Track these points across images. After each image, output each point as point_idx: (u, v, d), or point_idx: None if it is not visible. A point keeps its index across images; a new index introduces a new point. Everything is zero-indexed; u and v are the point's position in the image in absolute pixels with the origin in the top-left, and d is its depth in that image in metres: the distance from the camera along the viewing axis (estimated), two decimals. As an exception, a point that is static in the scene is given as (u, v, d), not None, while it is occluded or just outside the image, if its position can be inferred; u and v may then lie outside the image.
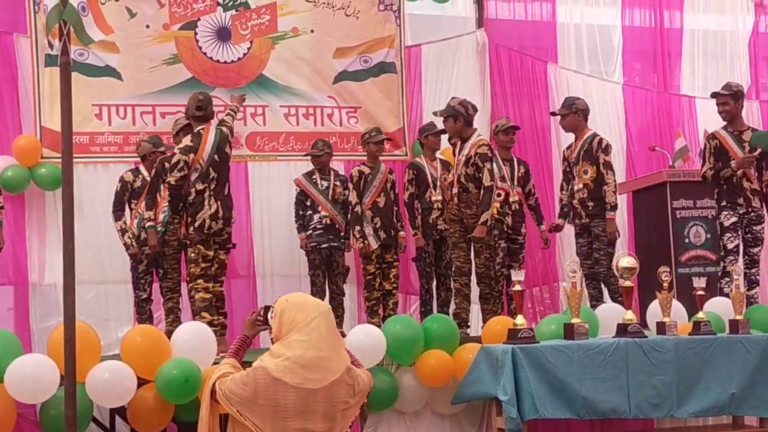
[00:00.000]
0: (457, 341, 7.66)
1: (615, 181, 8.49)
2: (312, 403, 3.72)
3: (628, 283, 7.37)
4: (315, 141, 9.18)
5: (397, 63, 10.17)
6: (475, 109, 8.53)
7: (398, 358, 7.51)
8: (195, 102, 7.89)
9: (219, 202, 7.69)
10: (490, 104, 10.34)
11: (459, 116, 8.32)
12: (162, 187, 8.32)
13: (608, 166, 8.44)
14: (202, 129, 7.80)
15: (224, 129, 7.91)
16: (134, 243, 8.70)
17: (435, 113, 8.73)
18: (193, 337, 6.80)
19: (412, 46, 10.35)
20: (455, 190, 8.31)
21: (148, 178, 8.66)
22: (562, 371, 6.81)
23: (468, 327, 8.42)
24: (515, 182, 9.17)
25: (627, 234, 10.38)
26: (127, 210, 8.82)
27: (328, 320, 3.82)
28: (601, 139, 8.52)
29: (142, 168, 8.87)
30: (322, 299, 8.57)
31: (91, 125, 9.23)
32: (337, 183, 9.03)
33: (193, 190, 7.66)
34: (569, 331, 7.14)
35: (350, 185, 8.92)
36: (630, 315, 7.30)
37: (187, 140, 7.78)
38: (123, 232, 8.77)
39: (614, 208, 8.45)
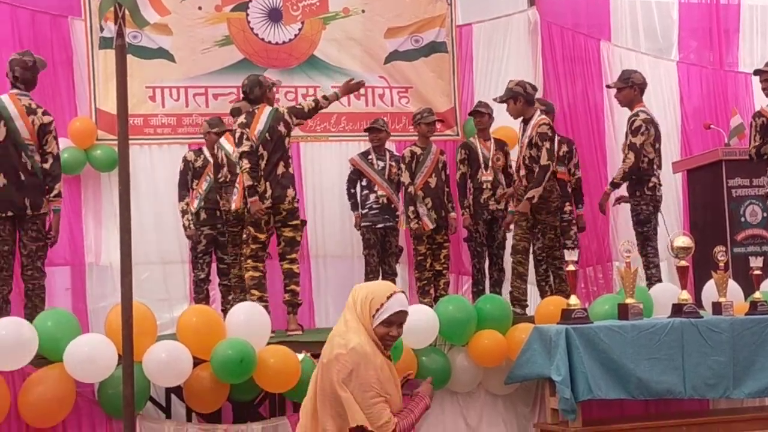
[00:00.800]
0: (510, 321, 7.64)
1: (632, 163, 8.27)
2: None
3: (683, 263, 7.30)
4: (375, 119, 9.20)
5: (448, 42, 10.13)
6: (534, 88, 8.50)
7: (451, 338, 7.51)
8: (242, 87, 7.97)
9: (268, 182, 7.71)
10: (542, 83, 10.24)
11: (518, 96, 8.29)
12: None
13: (631, 147, 8.29)
14: (257, 108, 7.83)
15: (281, 109, 7.93)
16: (191, 225, 8.78)
17: (495, 100, 8.68)
18: (248, 318, 6.84)
19: (463, 26, 10.30)
20: (522, 172, 8.30)
21: (210, 158, 8.75)
22: (616, 351, 6.78)
23: (526, 306, 8.40)
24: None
25: (682, 213, 10.28)
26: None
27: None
28: (634, 120, 8.35)
29: (204, 148, 8.94)
30: (376, 279, 8.66)
31: (145, 107, 9.31)
32: (393, 163, 9.04)
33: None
34: (623, 311, 7.10)
35: (402, 166, 8.91)
36: (685, 295, 7.25)
37: (241, 117, 7.85)
38: (183, 213, 8.87)
39: (613, 184, 8.47)
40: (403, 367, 7.08)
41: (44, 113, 7.23)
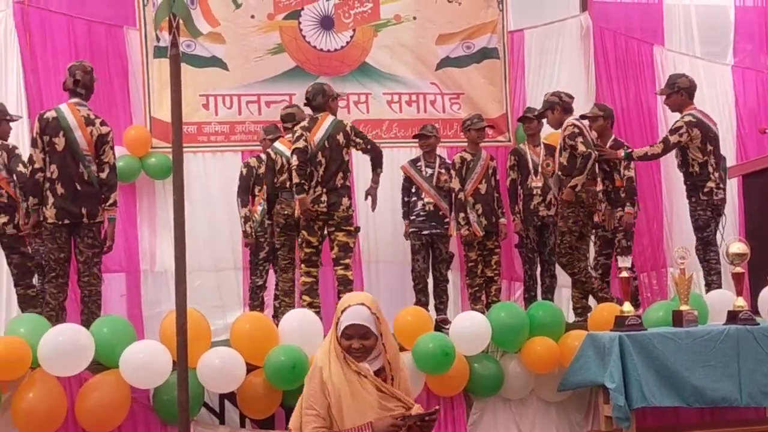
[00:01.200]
0: (563, 328, 7.62)
1: (656, 152, 8.43)
2: None
3: (738, 269, 7.23)
4: (423, 125, 9.21)
5: (499, 48, 10.12)
6: (571, 97, 8.44)
7: (504, 345, 7.50)
8: (306, 93, 8.02)
9: (325, 190, 7.75)
10: (595, 88, 10.20)
11: (555, 106, 8.30)
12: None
13: (664, 140, 8.40)
14: (320, 115, 7.88)
15: (345, 122, 8.02)
16: (253, 234, 8.80)
17: (532, 114, 8.80)
18: (301, 324, 6.89)
19: (515, 31, 10.29)
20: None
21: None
22: (670, 359, 6.72)
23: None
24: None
25: (737, 219, 10.15)
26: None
27: None
28: (676, 121, 8.42)
29: (262, 154, 8.97)
30: (422, 285, 8.67)
31: (198, 115, 9.40)
32: (442, 170, 9.02)
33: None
34: (678, 318, 7.04)
35: (452, 172, 8.90)
36: (741, 302, 7.17)
37: (304, 122, 7.91)
38: (246, 219, 8.84)
39: (627, 154, 8.49)
40: (455, 374, 7.12)
41: (102, 123, 7.32)
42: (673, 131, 8.32)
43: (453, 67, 10.01)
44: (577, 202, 8.05)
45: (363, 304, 3.95)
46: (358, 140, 7.95)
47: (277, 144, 8.51)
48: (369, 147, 8.02)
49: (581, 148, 8.01)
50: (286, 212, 8.22)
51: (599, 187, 8.46)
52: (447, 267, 9.08)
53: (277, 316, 8.16)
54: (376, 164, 8.07)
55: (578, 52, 10.36)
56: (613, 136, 8.88)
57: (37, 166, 7.07)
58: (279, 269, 8.48)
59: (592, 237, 8.68)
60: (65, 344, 6.27)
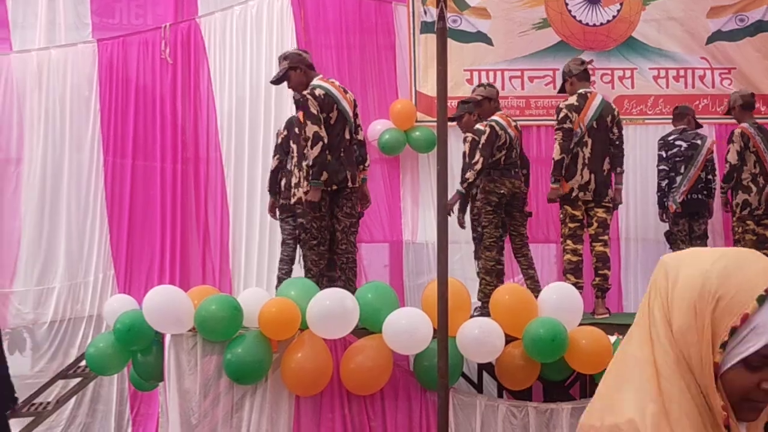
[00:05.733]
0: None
1: None
2: None
3: None
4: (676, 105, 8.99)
5: (775, 21, 9.68)
6: None
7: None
8: (577, 60, 8.00)
9: (593, 174, 7.69)
10: None
11: None
12: None
13: None
14: (589, 92, 7.83)
15: (614, 107, 7.96)
16: None
17: None
18: (560, 298, 6.87)
19: (793, 2, 9.80)
20: None
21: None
22: None
23: None
24: None
25: None
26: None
27: None
28: None
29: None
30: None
31: (463, 90, 9.49)
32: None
33: (570, 155, 7.73)
34: None
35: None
36: None
37: (573, 99, 7.83)
38: None
39: None
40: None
41: (347, 90, 7.62)
42: None
43: (725, 41, 9.64)
44: None
45: None
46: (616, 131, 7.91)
47: (499, 119, 8.33)
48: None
49: None
50: (501, 191, 8.07)
51: None
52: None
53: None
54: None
55: None
56: None
57: (326, 141, 7.24)
58: (483, 247, 8.24)
59: None
60: (332, 308, 6.51)
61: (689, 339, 1.73)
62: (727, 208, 8.73)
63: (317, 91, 7.29)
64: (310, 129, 7.19)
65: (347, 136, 7.42)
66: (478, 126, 8.09)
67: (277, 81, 7.68)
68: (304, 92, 7.32)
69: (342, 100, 7.40)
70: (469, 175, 7.85)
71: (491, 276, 8.10)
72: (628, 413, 1.73)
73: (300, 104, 7.53)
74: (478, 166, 7.88)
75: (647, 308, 1.79)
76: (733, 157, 8.40)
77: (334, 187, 7.33)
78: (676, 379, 1.73)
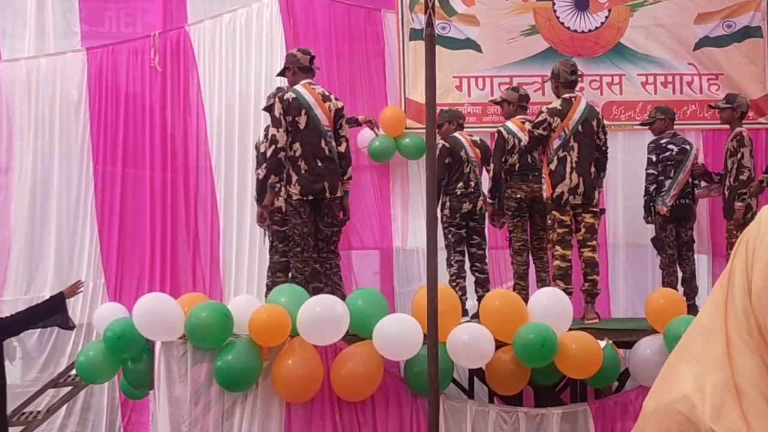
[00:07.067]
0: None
1: None
2: None
3: None
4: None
5: (763, 27, 9.69)
6: None
7: None
8: (568, 68, 7.97)
9: (582, 178, 7.72)
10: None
11: None
12: None
13: None
14: (573, 97, 7.86)
15: (599, 112, 8.00)
16: None
17: None
18: (550, 303, 6.89)
19: (780, 8, 9.85)
20: None
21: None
22: None
23: None
24: None
25: None
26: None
27: None
28: None
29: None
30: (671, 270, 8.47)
31: (452, 97, 9.52)
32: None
33: (555, 157, 7.74)
34: None
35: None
36: None
37: (557, 103, 7.86)
38: None
39: None
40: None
41: (336, 99, 7.62)
42: None
43: (712, 47, 9.67)
44: None
45: None
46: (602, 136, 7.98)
47: (509, 124, 8.43)
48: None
49: None
50: (518, 195, 8.17)
51: None
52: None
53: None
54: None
55: None
56: None
57: (279, 145, 7.28)
58: (513, 251, 8.34)
59: None
60: (323, 314, 6.53)
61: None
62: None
63: (287, 95, 7.40)
64: (271, 131, 7.35)
65: (323, 146, 7.42)
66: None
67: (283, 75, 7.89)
68: (277, 95, 7.49)
69: (316, 107, 7.40)
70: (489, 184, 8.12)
71: (525, 281, 8.22)
72: (684, 388, 1.47)
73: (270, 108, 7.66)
74: (491, 173, 8.13)
75: (730, 266, 1.52)
76: (749, 162, 8.38)
77: (310, 197, 7.35)
78: (748, 353, 1.42)
